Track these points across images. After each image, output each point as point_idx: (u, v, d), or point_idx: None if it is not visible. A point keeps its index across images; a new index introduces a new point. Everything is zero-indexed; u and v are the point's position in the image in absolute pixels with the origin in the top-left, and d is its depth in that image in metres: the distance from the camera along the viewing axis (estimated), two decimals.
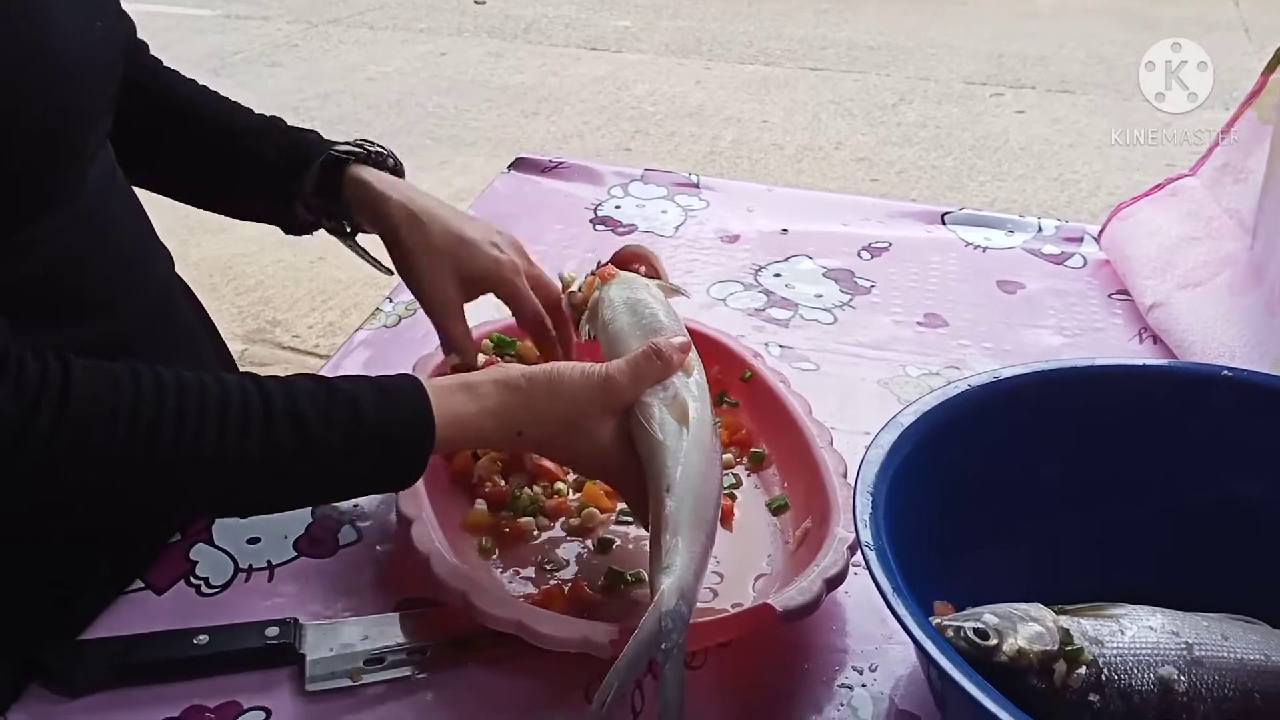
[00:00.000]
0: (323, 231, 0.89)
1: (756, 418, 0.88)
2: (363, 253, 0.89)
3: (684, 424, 0.68)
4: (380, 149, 0.86)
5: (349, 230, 0.87)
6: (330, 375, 0.66)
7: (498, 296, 0.83)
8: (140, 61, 0.89)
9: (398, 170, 0.87)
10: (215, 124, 0.88)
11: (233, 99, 0.92)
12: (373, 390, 0.65)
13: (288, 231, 0.90)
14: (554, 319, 0.84)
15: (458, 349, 0.82)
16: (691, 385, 0.71)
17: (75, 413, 0.56)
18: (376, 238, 0.85)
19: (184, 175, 0.90)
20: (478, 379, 0.69)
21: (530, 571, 0.75)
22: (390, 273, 0.86)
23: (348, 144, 0.86)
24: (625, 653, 0.58)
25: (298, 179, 0.84)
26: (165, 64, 0.92)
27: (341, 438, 0.62)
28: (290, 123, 0.90)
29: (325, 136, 0.88)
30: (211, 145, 0.87)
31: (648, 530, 0.66)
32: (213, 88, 0.92)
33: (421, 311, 1.05)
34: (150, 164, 0.88)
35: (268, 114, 0.90)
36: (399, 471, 0.67)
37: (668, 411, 0.68)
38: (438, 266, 0.81)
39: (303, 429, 0.61)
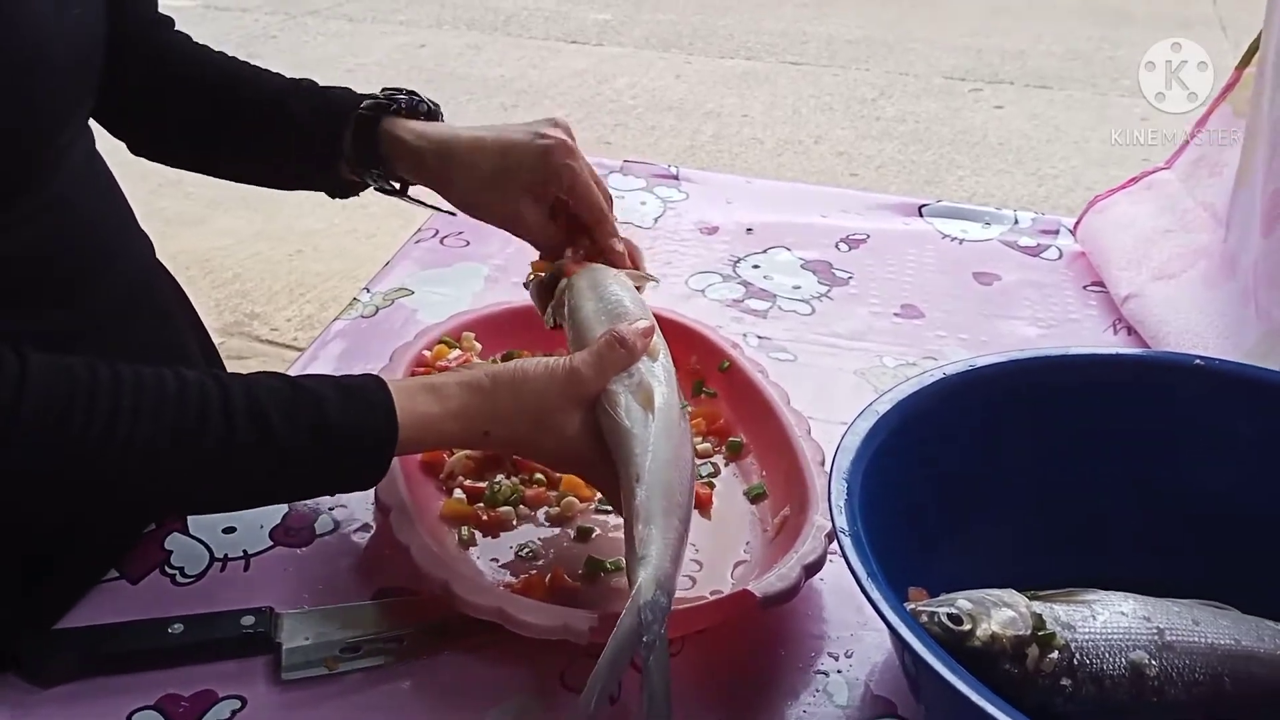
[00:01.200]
0: (301, 226, 0.88)
1: (735, 407, 0.88)
2: (418, 202, 0.87)
3: (650, 410, 0.68)
4: (410, 96, 0.83)
5: (398, 187, 0.85)
6: (307, 365, 0.66)
7: (560, 193, 0.80)
8: (165, 38, 0.88)
9: (433, 114, 0.84)
10: (250, 95, 0.85)
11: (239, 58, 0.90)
12: (336, 390, 0.64)
13: (333, 195, 0.87)
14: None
15: (546, 249, 0.81)
16: (657, 370, 0.71)
17: (30, 407, 0.56)
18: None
19: (227, 151, 0.88)
20: (442, 380, 0.68)
21: (510, 560, 0.75)
22: (454, 212, 0.85)
23: (375, 97, 0.83)
24: (607, 651, 0.57)
25: (336, 140, 0.82)
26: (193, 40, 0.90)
27: (303, 437, 0.62)
28: None
29: (355, 92, 0.85)
30: (249, 117, 0.85)
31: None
32: None
33: (400, 301, 1.06)
34: (189, 144, 0.87)
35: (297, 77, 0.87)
36: (361, 473, 0.66)
37: (634, 398, 0.68)
38: (496, 188, 0.79)
39: (264, 428, 0.61)
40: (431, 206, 0.88)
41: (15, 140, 0.65)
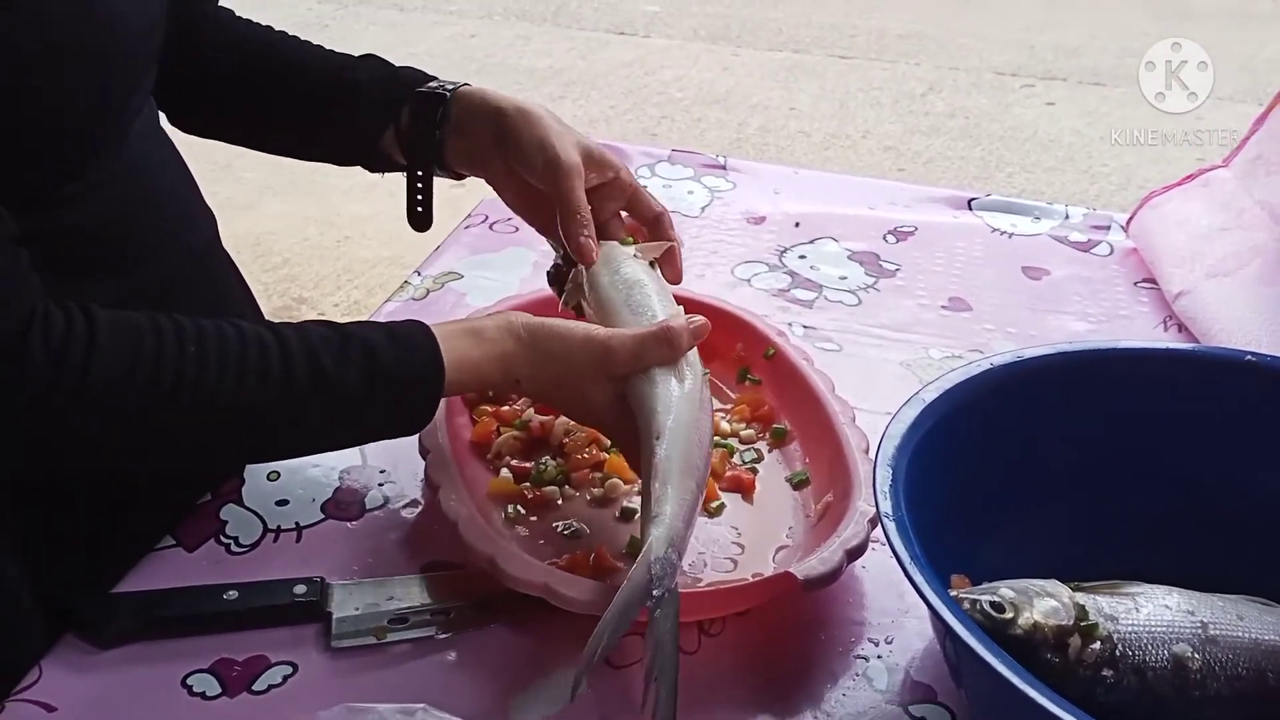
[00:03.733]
0: (350, 212, 0.90)
1: (779, 394, 0.88)
2: (424, 194, 0.88)
3: (675, 373, 0.70)
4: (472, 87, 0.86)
5: (422, 174, 0.86)
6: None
7: (616, 190, 0.83)
8: (212, 13, 0.90)
9: None
10: (304, 58, 0.88)
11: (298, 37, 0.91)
12: (383, 334, 0.67)
13: (366, 166, 0.89)
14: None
15: (576, 215, 0.80)
16: None
17: (100, 362, 0.58)
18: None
19: (269, 113, 0.89)
20: (484, 323, 0.71)
21: (554, 539, 0.76)
22: (427, 227, 0.88)
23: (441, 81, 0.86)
24: (615, 601, 0.59)
25: (396, 107, 0.84)
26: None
27: (356, 379, 0.64)
28: None
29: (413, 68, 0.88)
30: (301, 78, 0.87)
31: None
32: None
33: (449, 285, 1.07)
34: (232, 108, 0.89)
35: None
36: (412, 414, 0.69)
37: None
38: (565, 141, 0.80)
39: (319, 372, 0.63)
40: (421, 205, 0.89)
41: (90, 105, 0.67)
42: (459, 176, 0.87)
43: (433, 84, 0.85)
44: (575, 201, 0.79)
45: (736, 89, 4.16)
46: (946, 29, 4.84)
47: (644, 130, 3.75)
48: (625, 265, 0.79)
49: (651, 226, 0.84)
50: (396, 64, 0.88)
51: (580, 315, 0.80)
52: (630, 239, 0.84)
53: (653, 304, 0.76)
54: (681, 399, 0.69)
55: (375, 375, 0.65)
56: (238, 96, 0.89)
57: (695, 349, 0.73)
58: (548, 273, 0.86)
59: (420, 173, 0.86)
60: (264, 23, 0.93)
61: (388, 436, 0.71)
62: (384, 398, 0.67)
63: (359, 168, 0.90)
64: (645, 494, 0.65)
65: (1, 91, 0.59)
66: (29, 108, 0.63)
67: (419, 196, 0.88)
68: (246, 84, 0.88)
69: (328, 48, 0.90)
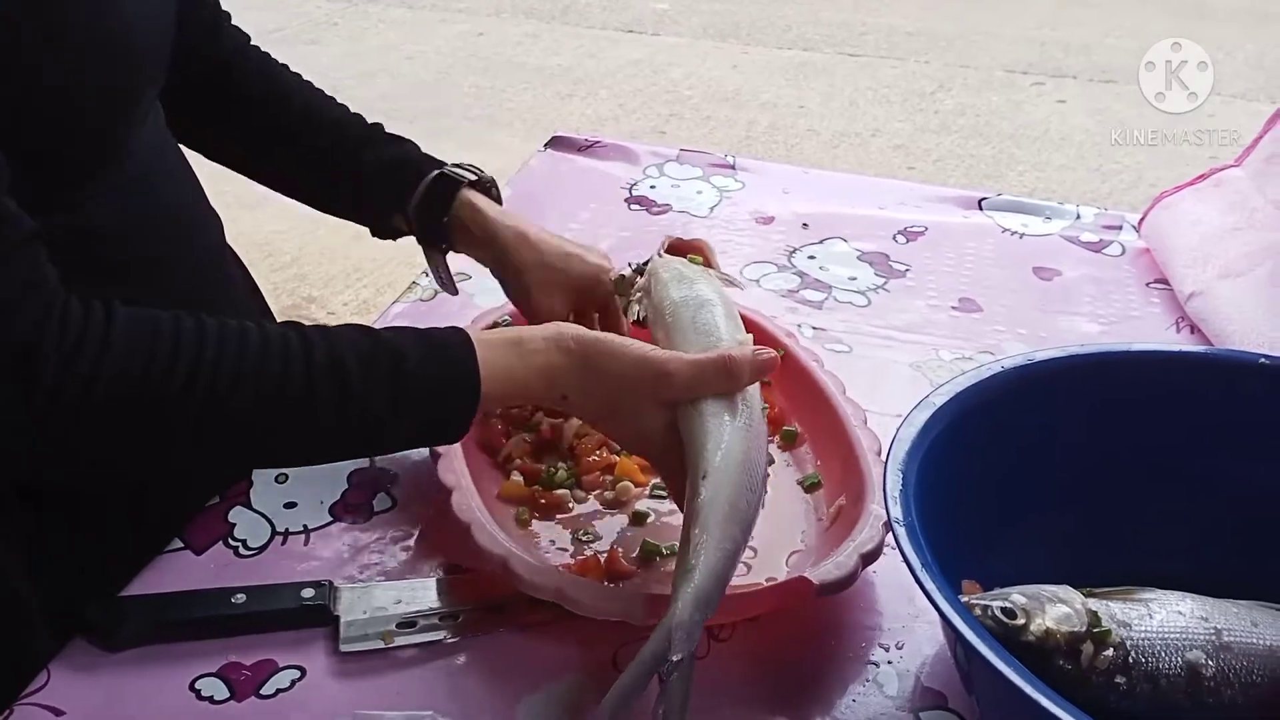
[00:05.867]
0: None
1: (789, 396, 0.88)
2: (443, 269, 0.91)
3: (731, 407, 0.65)
4: (483, 173, 0.88)
5: (442, 247, 0.89)
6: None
7: (595, 307, 0.85)
8: (227, 38, 0.90)
9: (496, 196, 0.89)
10: (321, 126, 0.89)
11: (325, 92, 0.93)
12: (419, 343, 0.64)
13: (375, 234, 0.92)
14: None
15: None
16: None
17: (115, 356, 0.57)
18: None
19: (283, 172, 0.92)
20: (529, 334, 0.67)
21: (566, 542, 0.76)
22: (456, 292, 0.92)
23: (454, 165, 0.87)
24: (632, 666, 0.56)
25: (404, 196, 0.86)
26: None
27: (384, 389, 0.62)
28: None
29: (422, 150, 0.90)
30: (317, 149, 0.89)
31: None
32: None
33: (458, 286, 1.07)
34: (246, 155, 0.91)
35: (366, 119, 0.92)
36: (443, 428, 0.66)
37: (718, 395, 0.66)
38: (548, 286, 0.83)
39: (344, 379, 0.61)
40: (446, 277, 0.93)
41: (100, 115, 0.67)
42: None
43: (444, 170, 0.86)
44: None
45: (745, 87, 4.15)
46: (957, 26, 4.83)
47: (652, 128, 3.75)
48: (699, 282, 0.76)
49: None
50: (405, 139, 0.90)
51: (642, 328, 0.79)
52: (699, 259, 0.83)
53: (720, 326, 0.72)
54: (734, 434, 0.63)
55: (403, 389, 0.62)
56: (249, 148, 0.91)
57: (757, 383, 0.68)
58: (614, 279, 0.85)
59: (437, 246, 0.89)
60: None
61: (419, 446, 0.71)
62: (411, 412, 0.64)
63: None
64: (684, 538, 0.60)
65: (15, 93, 0.59)
66: (43, 110, 0.63)
67: (440, 269, 0.91)
68: (260, 140, 0.90)
69: (347, 109, 0.92)
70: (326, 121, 0.89)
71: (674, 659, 0.56)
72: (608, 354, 0.66)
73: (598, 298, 0.85)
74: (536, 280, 0.83)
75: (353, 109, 0.92)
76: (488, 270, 0.88)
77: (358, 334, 0.64)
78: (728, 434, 0.63)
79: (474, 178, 0.86)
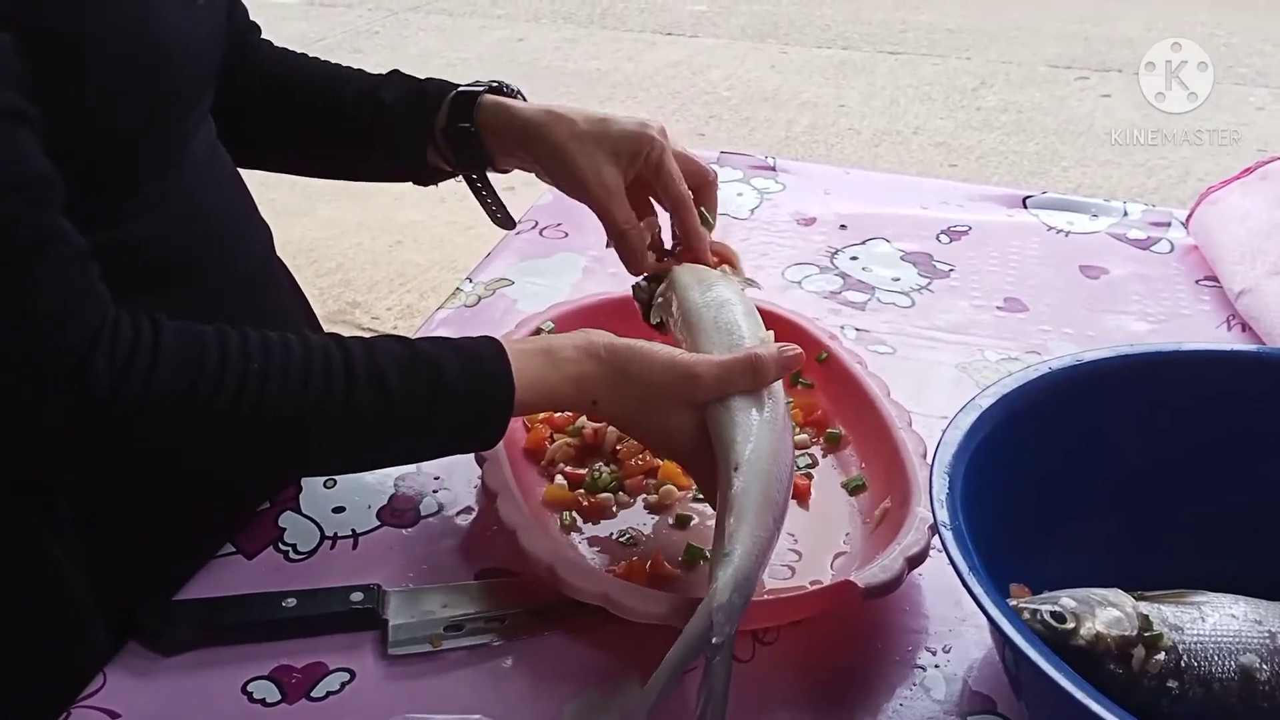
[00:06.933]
0: (402, 217, 0.91)
1: (833, 399, 0.88)
2: (490, 196, 0.89)
3: (758, 401, 0.68)
4: (506, 84, 0.86)
5: (478, 177, 0.87)
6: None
7: (645, 171, 0.81)
8: (253, 44, 0.91)
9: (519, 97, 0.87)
10: (337, 86, 0.89)
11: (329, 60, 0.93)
12: (454, 353, 0.66)
13: (417, 182, 0.90)
14: (699, 199, 0.83)
15: (622, 233, 0.80)
16: None
17: (164, 372, 0.59)
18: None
19: (314, 143, 0.91)
20: (560, 343, 0.69)
21: (610, 546, 0.76)
22: (513, 225, 0.88)
23: (471, 83, 0.86)
24: (674, 649, 0.57)
25: (430, 118, 0.85)
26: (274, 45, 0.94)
27: (423, 400, 0.64)
28: None
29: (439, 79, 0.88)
30: (338, 106, 0.88)
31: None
32: None
33: (501, 291, 1.08)
34: (278, 141, 0.91)
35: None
36: (479, 434, 0.68)
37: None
38: (589, 151, 0.80)
39: (384, 390, 0.63)
40: (496, 205, 0.89)
41: (145, 128, 0.68)
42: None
43: (462, 88, 0.85)
44: (617, 223, 0.80)
45: (785, 87, 4.14)
46: (998, 22, 4.78)
47: (692, 130, 3.75)
48: (717, 285, 0.78)
49: (701, 192, 0.83)
50: (422, 76, 0.89)
51: (663, 333, 0.79)
52: (723, 269, 0.83)
53: (740, 325, 0.73)
54: (762, 427, 0.66)
55: (441, 395, 0.64)
56: (279, 132, 0.91)
57: (780, 380, 0.70)
58: (633, 286, 0.84)
59: (475, 176, 0.87)
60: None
61: (456, 453, 0.72)
62: (449, 419, 0.66)
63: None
64: (719, 528, 0.62)
65: (57, 109, 0.60)
66: (85, 126, 0.64)
67: (488, 199, 0.89)
68: (287, 120, 0.90)
69: (357, 69, 0.91)
70: (343, 81, 0.89)
71: (714, 641, 0.57)
72: (637, 360, 0.68)
73: (649, 161, 0.81)
74: (577, 150, 0.80)
75: None
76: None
77: (397, 346, 0.66)
78: (756, 428, 0.66)
79: (495, 85, 0.85)
